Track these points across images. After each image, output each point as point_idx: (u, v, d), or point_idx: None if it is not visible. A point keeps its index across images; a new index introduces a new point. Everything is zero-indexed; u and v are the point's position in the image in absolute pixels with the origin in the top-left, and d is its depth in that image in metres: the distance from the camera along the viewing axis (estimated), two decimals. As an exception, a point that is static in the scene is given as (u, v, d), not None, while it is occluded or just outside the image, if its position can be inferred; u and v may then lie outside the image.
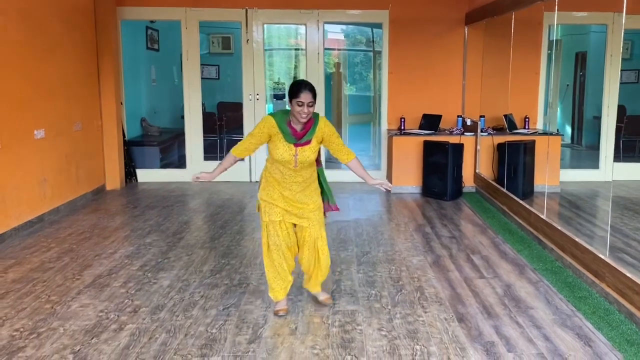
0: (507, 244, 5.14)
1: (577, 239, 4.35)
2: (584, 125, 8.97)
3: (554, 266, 4.53)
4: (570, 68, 8.74)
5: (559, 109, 8.86)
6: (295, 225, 3.60)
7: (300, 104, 3.29)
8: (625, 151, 8.12)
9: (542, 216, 5.06)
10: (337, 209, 3.82)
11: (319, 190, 3.65)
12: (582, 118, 8.97)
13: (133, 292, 4.04)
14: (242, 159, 3.48)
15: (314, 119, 3.42)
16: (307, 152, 3.41)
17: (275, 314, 3.64)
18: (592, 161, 8.19)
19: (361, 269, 4.51)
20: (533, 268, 4.52)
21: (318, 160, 3.66)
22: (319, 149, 3.55)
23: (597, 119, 8.58)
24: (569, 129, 9.23)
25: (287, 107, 3.44)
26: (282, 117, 3.40)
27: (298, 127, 3.40)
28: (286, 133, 3.37)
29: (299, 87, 3.31)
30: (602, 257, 3.96)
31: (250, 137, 3.43)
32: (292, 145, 3.38)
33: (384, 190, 3.76)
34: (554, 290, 4.07)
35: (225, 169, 3.54)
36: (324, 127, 3.44)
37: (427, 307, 3.79)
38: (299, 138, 3.38)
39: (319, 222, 3.60)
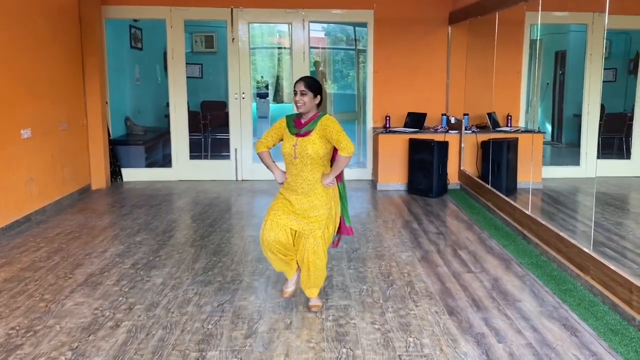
0: (493, 239, 5.25)
1: (561, 234, 4.47)
2: (564, 123, 9.15)
3: (539, 260, 4.65)
4: (550, 67, 8.91)
5: (539, 107, 9.03)
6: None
7: (295, 92, 3.52)
8: (604, 148, 8.29)
9: (527, 212, 5.18)
10: (351, 233, 3.81)
11: (326, 204, 3.54)
12: (562, 116, 9.14)
13: (127, 290, 4.07)
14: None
15: (317, 114, 3.54)
16: (306, 143, 3.45)
17: (282, 294, 3.78)
18: (573, 158, 8.36)
19: (352, 265, 4.58)
20: (519, 262, 4.63)
21: (339, 176, 3.66)
22: (325, 151, 3.50)
23: (577, 117, 8.76)
24: (549, 127, 9.40)
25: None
26: (292, 116, 3.64)
27: (302, 120, 3.55)
28: (291, 125, 3.57)
29: (296, 81, 3.56)
30: (587, 250, 4.08)
31: (267, 133, 3.68)
32: (293, 136, 3.51)
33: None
34: (540, 283, 4.18)
35: (273, 162, 3.73)
36: (325, 120, 3.48)
37: (417, 301, 3.87)
38: (300, 128, 3.51)
39: (314, 236, 3.50)
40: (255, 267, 4.53)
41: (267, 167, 3.72)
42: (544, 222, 4.82)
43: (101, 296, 3.95)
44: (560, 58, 8.96)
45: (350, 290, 4.06)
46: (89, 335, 3.34)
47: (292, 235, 3.55)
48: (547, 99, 9.05)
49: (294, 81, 3.61)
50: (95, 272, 4.43)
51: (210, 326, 3.48)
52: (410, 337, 3.35)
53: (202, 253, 4.88)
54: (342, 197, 3.72)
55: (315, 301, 3.74)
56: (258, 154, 3.70)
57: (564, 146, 9.36)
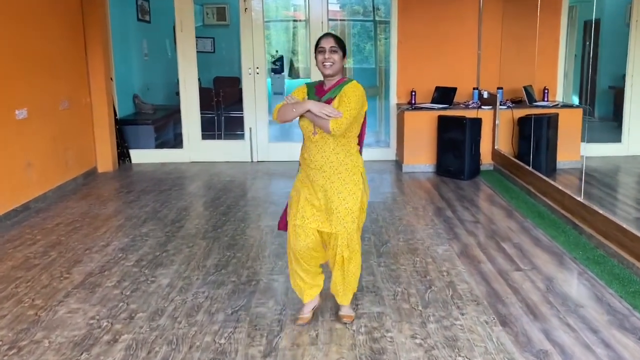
0: (539, 229, 4.68)
1: (625, 226, 3.88)
2: (597, 96, 8.49)
3: (595, 255, 4.08)
4: (586, 36, 8.22)
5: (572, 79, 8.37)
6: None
7: (321, 49, 2.86)
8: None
9: (578, 199, 4.59)
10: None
11: (355, 188, 2.93)
12: (594, 88, 8.48)
13: (128, 293, 3.58)
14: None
15: (343, 79, 2.93)
16: None
17: (296, 322, 3.15)
18: (611, 134, 7.72)
19: (382, 262, 4.05)
20: (573, 257, 4.07)
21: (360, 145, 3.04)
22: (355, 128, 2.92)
23: (613, 89, 8.11)
24: (576, 100, 8.75)
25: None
26: (313, 83, 3.02)
27: (325, 87, 2.95)
28: (311, 94, 2.94)
29: (320, 37, 2.93)
30: (660, 247, 3.51)
31: (287, 98, 2.95)
32: None
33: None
34: (601, 283, 3.62)
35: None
36: (350, 86, 2.86)
37: (463, 307, 3.34)
38: (321, 95, 2.90)
39: (347, 230, 2.93)
40: (274, 263, 4.02)
41: (293, 113, 2.85)
42: (601, 212, 4.23)
43: (99, 301, 3.46)
44: (594, 26, 8.26)
45: (382, 293, 3.54)
46: (81, 354, 2.86)
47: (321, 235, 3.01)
48: (575, 70, 8.37)
49: (314, 44, 2.94)
50: (94, 270, 3.95)
51: (222, 341, 2.98)
52: (460, 355, 2.82)
53: (214, 247, 4.38)
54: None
55: (347, 310, 3.20)
56: (275, 119, 2.96)
57: (597, 120, 8.70)
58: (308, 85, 3.00)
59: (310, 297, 3.14)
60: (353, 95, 2.81)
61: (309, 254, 2.99)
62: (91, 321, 3.20)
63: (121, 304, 3.43)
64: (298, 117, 2.91)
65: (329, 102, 2.86)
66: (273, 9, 11.90)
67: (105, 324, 3.17)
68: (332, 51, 2.84)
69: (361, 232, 3.10)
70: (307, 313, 3.17)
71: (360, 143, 3.04)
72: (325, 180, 2.90)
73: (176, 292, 3.58)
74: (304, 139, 3.00)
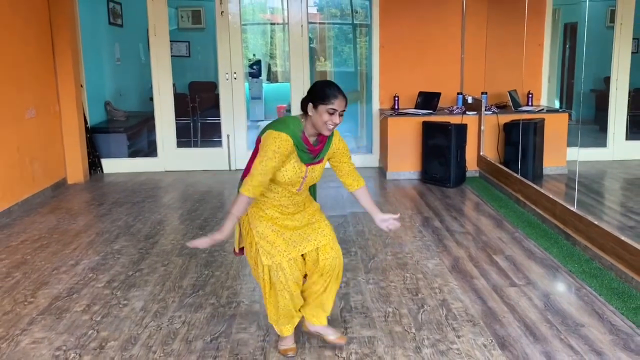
0: (531, 240, 4.51)
1: (623, 238, 3.72)
2: (580, 99, 8.42)
3: (591, 267, 3.92)
4: (566, 39, 8.13)
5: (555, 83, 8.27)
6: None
7: (331, 111, 2.53)
8: (633, 128, 7.54)
9: (571, 208, 4.42)
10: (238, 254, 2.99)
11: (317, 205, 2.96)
12: (573, 92, 8.40)
13: (99, 318, 3.31)
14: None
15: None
16: (317, 172, 2.73)
17: (283, 354, 2.89)
18: (594, 138, 7.63)
19: (370, 278, 3.83)
20: (568, 270, 3.90)
21: None
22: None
23: (594, 92, 8.05)
24: (557, 103, 8.66)
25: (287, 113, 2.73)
26: (295, 130, 2.59)
27: (312, 140, 2.66)
28: (303, 150, 2.61)
29: (331, 90, 2.54)
30: (662, 261, 3.35)
31: (263, 166, 2.51)
32: (303, 165, 2.64)
33: (389, 229, 2.84)
34: (601, 299, 3.45)
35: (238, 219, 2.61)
36: (337, 142, 2.77)
37: (458, 329, 3.13)
38: (315, 155, 2.67)
39: (334, 233, 2.87)
40: (255, 283, 3.77)
41: (232, 214, 2.55)
42: (596, 222, 4.06)
43: (66, 329, 3.18)
44: (577, 29, 8.19)
45: (373, 314, 3.32)
46: (45, 393, 2.59)
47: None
48: (558, 73, 8.28)
49: (318, 93, 2.58)
50: (62, 293, 3.66)
51: (201, 373, 2.74)
52: (459, 385, 2.62)
53: (191, 265, 4.12)
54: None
55: (335, 332, 2.97)
56: (242, 197, 2.52)
57: (576, 124, 8.63)
58: (294, 138, 2.56)
59: (292, 329, 2.93)
60: (345, 145, 2.82)
61: (294, 286, 2.79)
62: (57, 352, 2.93)
63: (91, 331, 3.15)
64: (279, 175, 2.60)
65: (319, 162, 2.72)
66: (250, 11, 11.66)
67: (72, 355, 2.90)
68: (341, 115, 2.57)
69: None
70: (293, 342, 2.94)
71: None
72: (302, 211, 2.82)
73: (150, 317, 3.31)
74: (261, 200, 2.72)
